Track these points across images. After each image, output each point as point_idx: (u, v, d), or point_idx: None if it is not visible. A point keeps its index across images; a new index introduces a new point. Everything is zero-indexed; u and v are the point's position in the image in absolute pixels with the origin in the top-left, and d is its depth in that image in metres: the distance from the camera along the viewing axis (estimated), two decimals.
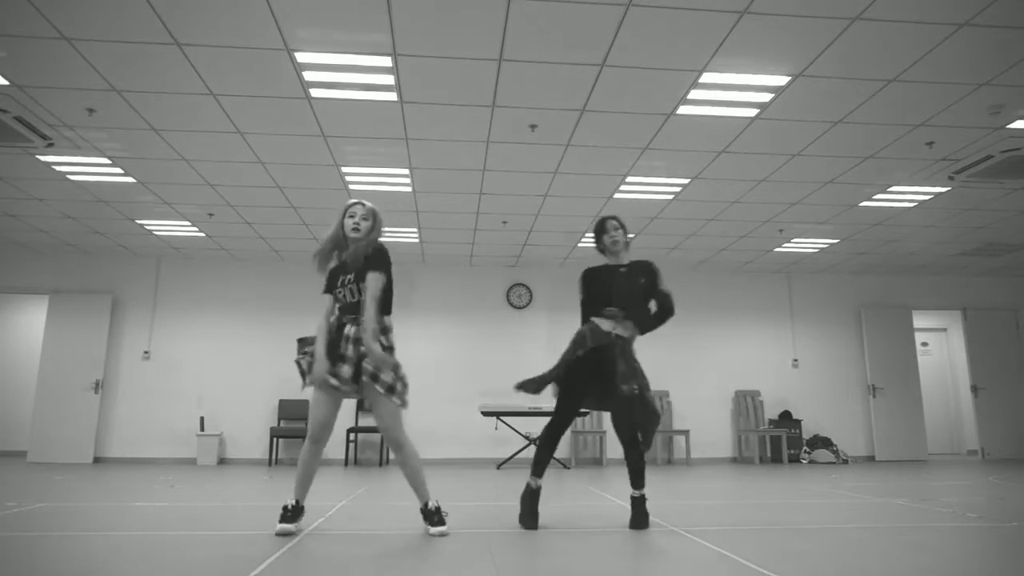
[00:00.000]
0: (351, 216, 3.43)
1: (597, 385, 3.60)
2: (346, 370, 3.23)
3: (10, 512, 3.92)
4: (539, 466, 3.62)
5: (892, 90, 4.50)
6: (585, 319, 3.70)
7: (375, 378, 3.22)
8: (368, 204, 3.49)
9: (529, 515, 3.56)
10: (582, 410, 3.73)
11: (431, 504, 3.35)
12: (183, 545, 2.97)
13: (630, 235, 3.88)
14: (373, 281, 3.30)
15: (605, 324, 3.60)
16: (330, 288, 3.47)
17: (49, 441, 8.38)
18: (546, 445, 3.61)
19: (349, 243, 3.45)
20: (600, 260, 3.83)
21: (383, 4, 3.62)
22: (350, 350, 3.25)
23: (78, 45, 3.96)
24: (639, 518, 3.56)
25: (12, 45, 3.96)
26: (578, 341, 3.59)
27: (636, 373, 3.56)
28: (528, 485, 3.63)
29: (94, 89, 4.51)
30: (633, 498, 3.61)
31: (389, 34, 3.88)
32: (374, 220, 3.46)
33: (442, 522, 3.33)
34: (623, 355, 3.56)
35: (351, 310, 3.34)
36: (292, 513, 3.32)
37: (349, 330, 3.29)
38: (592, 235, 3.84)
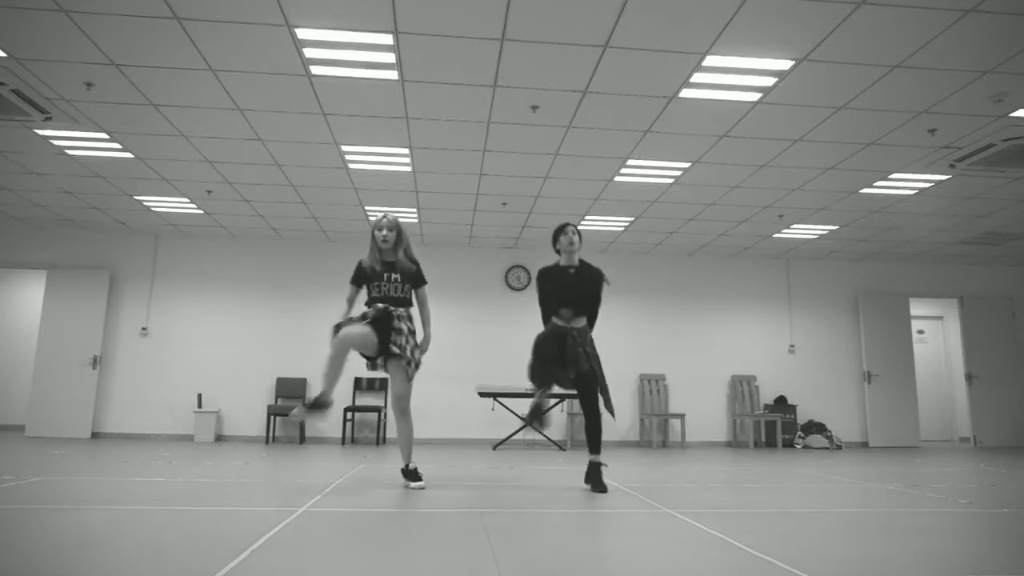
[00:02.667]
0: (379, 229, 4.30)
1: (562, 369, 4.28)
2: (401, 340, 4.16)
3: (8, 485, 3.94)
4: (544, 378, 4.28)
5: (896, 76, 4.48)
6: (545, 314, 4.40)
7: (402, 352, 4.14)
8: (391, 216, 4.34)
9: (538, 414, 4.34)
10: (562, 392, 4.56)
11: (411, 465, 4.28)
12: (181, 520, 2.99)
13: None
14: (425, 293, 4.46)
15: (560, 322, 4.29)
16: (359, 281, 4.35)
17: (47, 416, 8.42)
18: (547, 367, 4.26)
19: (382, 253, 4.34)
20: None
21: None
22: (405, 328, 4.21)
23: (76, 18, 3.92)
24: (594, 478, 4.27)
25: (10, 16, 3.92)
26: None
27: (590, 357, 4.26)
28: (542, 392, 4.31)
29: (92, 63, 4.47)
30: (591, 462, 4.33)
31: (391, 11, 3.84)
32: (399, 230, 4.33)
33: (419, 478, 4.23)
34: (578, 343, 4.24)
35: (398, 302, 4.27)
36: (315, 403, 4.08)
37: (399, 312, 4.22)
38: (553, 235, 4.45)
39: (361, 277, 4.33)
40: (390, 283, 4.25)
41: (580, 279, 4.32)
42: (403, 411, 4.22)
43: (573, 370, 4.23)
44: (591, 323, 4.36)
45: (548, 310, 4.38)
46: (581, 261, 4.40)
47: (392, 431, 8.83)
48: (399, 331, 4.18)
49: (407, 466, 4.28)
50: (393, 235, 4.29)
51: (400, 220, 4.40)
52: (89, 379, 8.55)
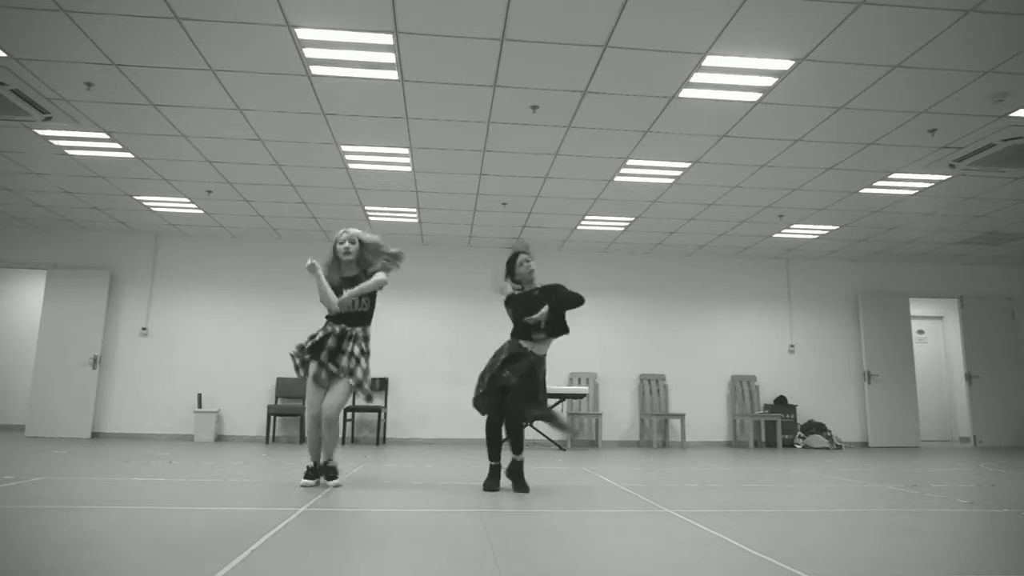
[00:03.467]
0: (340, 243, 4.27)
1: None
2: (344, 362, 4.14)
3: (8, 485, 3.94)
4: (494, 450, 4.38)
5: (896, 76, 4.47)
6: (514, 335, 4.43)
7: (351, 373, 4.14)
8: (351, 231, 4.32)
9: (491, 481, 4.27)
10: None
11: (332, 463, 4.23)
12: (181, 520, 2.99)
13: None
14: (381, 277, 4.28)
15: (524, 342, 4.33)
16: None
17: (47, 416, 8.41)
18: (493, 436, 4.38)
19: (342, 266, 4.30)
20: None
21: None
22: (356, 350, 4.18)
23: (76, 18, 3.92)
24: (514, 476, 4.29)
25: (10, 16, 3.91)
26: (496, 354, 4.39)
27: (531, 379, 4.29)
28: (492, 466, 4.34)
29: (92, 63, 4.47)
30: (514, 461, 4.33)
31: (391, 11, 3.84)
32: (360, 243, 4.28)
33: (334, 477, 4.22)
34: (531, 365, 4.28)
35: (354, 319, 4.22)
36: (312, 472, 4.19)
37: (353, 332, 4.20)
38: (507, 263, 4.56)
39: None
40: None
41: (544, 299, 4.36)
42: (330, 420, 4.12)
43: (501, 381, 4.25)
44: (572, 301, 4.36)
45: (516, 331, 4.42)
46: (543, 285, 4.50)
47: (392, 431, 8.83)
48: (347, 353, 4.14)
49: (326, 464, 4.23)
50: (355, 248, 4.23)
51: (361, 236, 4.33)
52: (89, 379, 8.55)
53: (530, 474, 5.29)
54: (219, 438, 8.68)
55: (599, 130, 5.47)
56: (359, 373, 4.14)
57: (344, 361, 4.13)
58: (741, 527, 3.06)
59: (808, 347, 9.73)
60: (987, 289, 10.13)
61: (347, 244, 4.23)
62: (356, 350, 4.17)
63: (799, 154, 5.89)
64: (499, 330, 9.14)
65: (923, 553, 2.57)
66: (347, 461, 6.04)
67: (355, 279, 4.24)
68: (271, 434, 8.56)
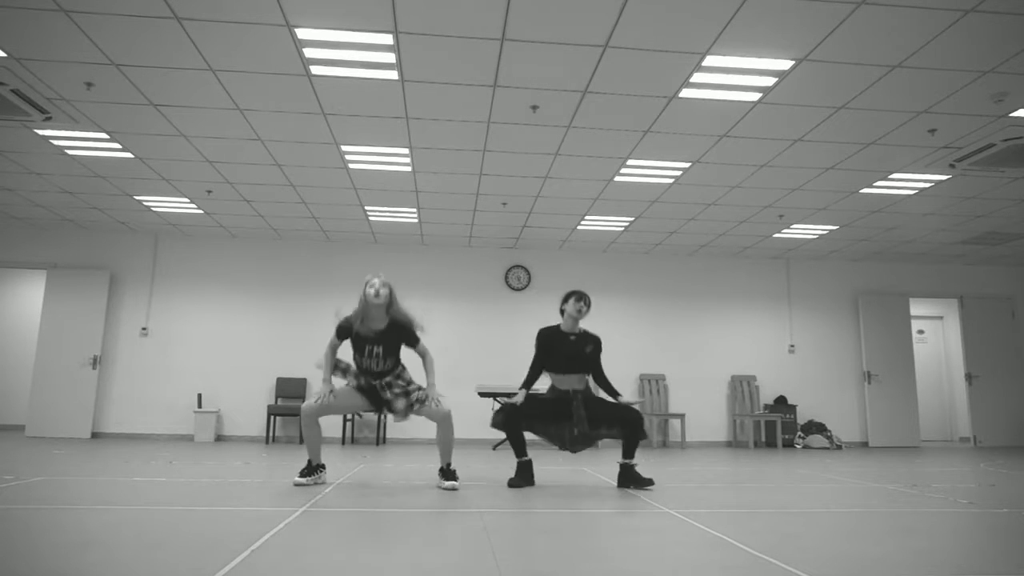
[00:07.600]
0: (370, 287, 4.13)
1: (553, 424, 4.48)
2: (401, 404, 4.22)
3: (8, 485, 3.94)
4: (519, 447, 4.52)
5: (896, 76, 4.47)
6: (534, 370, 4.55)
7: (418, 403, 4.23)
8: (382, 277, 4.22)
9: (519, 477, 4.45)
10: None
11: (452, 465, 4.33)
12: (181, 520, 2.99)
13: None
14: (424, 347, 4.36)
15: (563, 383, 4.51)
16: (343, 336, 4.22)
17: (47, 416, 8.42)
18: (516, 435, 4.49)
19: (370, 311, 4.16)
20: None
21: None
22: (398, 390, 4.24)
23: (76, 18, 3.92)
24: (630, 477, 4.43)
25: (10, 16, 3.91)
26: (543, 403, 4.52)
27: (587, 419, 4.41)
28: (521, 463, 4.50)
29: (92, 63, 4.47)
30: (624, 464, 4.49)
31: (391, 11, 3.84)
32: (391, 290, 4.21)
33: (454, 478, 4.21)
34: (581, 403, 4.43)
35: (377, 376, 4.24)
36: (308, 470, 4.25)
37: (384, 381, 4.25)
38: (564, 297, 4.64)
39: (345, 333, 4.21)
40: (372, 358, 4.18)
41: (579, 345, 4.53)
42: (443, 420, 4.29)
43: (578, 428, 4.40)
44: (607, 385, 4.57)
45: (543, 366, 4.56)
46: (583, 330, 4.62)
47: (392, 431, 8.85)
48: (395, 396, 4.23)
49: (446, 466, 4.30)
50: (386, 292, 4.14)
51: (392, 291, 4.26)
52: (89, 379, 8.55)
53: None
54: (219, 438, 8.68)
55: (599, 130, 5.47)
56: (416, 397, 4.24)
57: (398, 403, 4.21)
58: (741, 527, 3.05)
59: (808, 347, 9.73)
60: (987, 289, 10.13)
61: (379, 287, 4.12)
62: (398, 390, 4.25)
63: (799, 154, 5.89)
64: (498, 330, 9.19)
65: (923, 553, 2.57)
66: (347, 461, 6.04)
67: (382, 333, 4.17)
68: (271, 434, 8.56)
